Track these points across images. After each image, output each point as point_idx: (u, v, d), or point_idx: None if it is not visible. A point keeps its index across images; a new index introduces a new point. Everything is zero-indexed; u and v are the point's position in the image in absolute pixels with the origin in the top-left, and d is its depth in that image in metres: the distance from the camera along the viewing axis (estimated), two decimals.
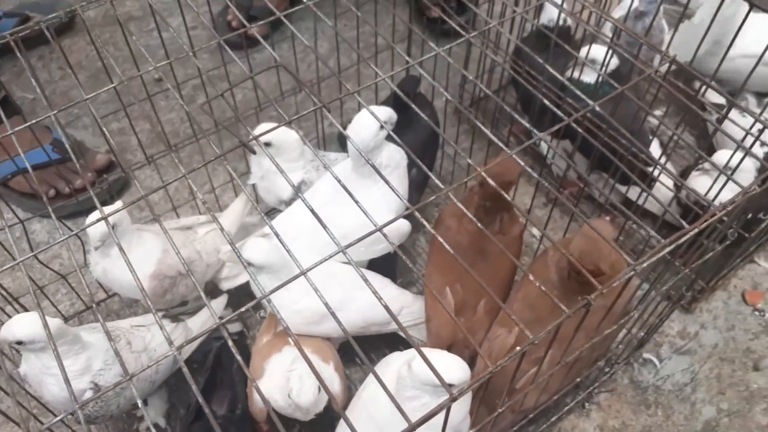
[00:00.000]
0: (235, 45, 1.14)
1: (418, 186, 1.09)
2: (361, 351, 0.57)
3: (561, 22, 1.13)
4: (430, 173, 0.66)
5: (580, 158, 1.16)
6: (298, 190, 0.98)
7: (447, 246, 0.63)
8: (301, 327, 0.89)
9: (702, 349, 1.05)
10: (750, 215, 0.94)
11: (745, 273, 1.13)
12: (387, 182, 0.65)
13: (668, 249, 0.52)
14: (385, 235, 0.61)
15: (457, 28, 1.01)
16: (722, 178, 0.89)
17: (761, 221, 0.93)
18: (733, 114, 1.11)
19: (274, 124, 0.84)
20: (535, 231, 1.19)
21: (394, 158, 0.91)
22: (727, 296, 1.11)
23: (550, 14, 1.12)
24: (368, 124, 0.85)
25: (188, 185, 1.21)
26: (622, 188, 1.12)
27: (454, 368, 0.68)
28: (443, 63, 0.87)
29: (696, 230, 0.54)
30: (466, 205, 0.90)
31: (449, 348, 0.89)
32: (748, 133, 0.79)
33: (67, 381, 0.52)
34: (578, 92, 0.73)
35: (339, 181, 0.68)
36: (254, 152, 0.79)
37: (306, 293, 0.86)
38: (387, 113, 0.88)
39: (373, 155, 0.89)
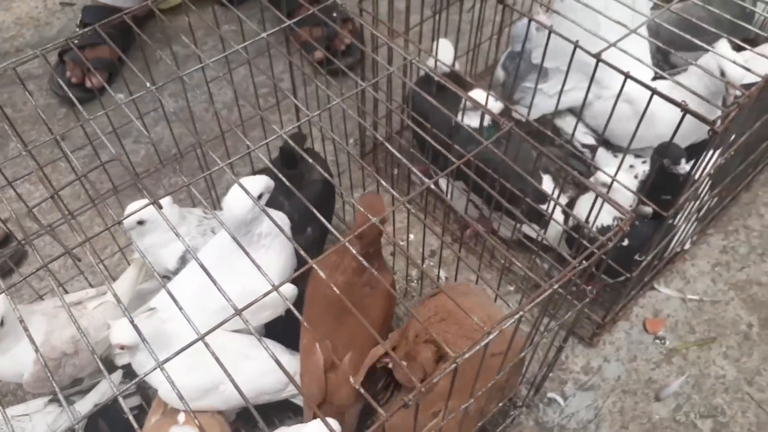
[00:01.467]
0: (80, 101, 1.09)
1: (316, 242, 1.08)
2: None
3: (449, 68, 1.14)
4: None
5: (476, 198, 1.16)
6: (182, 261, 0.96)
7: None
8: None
9: (605, 383, 1.06)
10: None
11: (646, 301, 1.15)
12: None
13: (501, 329, 0.52)
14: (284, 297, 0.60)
15: (346, 70, 0.99)
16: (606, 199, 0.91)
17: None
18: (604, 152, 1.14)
19: (146, 201, 0.83)
20: (435, 273, 1.19)
21: (275, 226, 0.90)
22: (629, 326, 1.12)
23: (440, 58, 1.12)
24: (241, 199, 0.85)
25: (86, 253, 1.19)
26: (517, 225, 1.12)
27: None
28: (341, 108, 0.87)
29: (551, 290, 0.54)
30: (340, 257, 0.90)
31: (321, 404, 0.88)
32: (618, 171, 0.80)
33: None
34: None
35: (235, 239, 0.66)
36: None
37: (186, 369, 0.85)
38: (263, 183, 0.87)
39: (252, 225, 0.88)
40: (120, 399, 0.56)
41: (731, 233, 1.23)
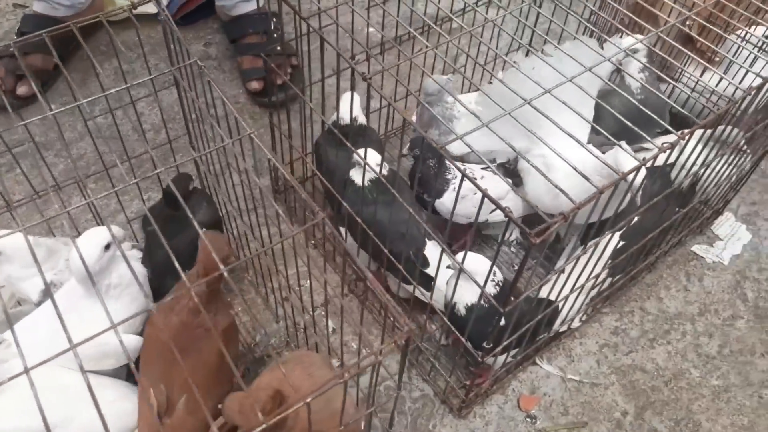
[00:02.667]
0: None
1: None
2: None
3: (354, 121, 1.14)
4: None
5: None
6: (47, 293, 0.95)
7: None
8: None
9: None
10: None
11: (526, 376, 1.14)
12: None
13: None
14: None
15: (265, 106, 0.99)
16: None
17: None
18: None
19: (6, 231, 0.84)
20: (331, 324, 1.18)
21: (125, 277, 0.91)
22: (503, 400, 1.11)
23: (341, 112, 1.12)
24: (87, 250, 0.85)
25: None
26: (407, 287, 1.12)
27: None
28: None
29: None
30: (178, 298, 0.90)
31: None
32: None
33: None
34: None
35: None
36: None
37: (18, 412, 0.84)
38: (109, 234, 0.87)
39: (101, 276, 0.88)
40: None
41: (626, 314, 1.23)
